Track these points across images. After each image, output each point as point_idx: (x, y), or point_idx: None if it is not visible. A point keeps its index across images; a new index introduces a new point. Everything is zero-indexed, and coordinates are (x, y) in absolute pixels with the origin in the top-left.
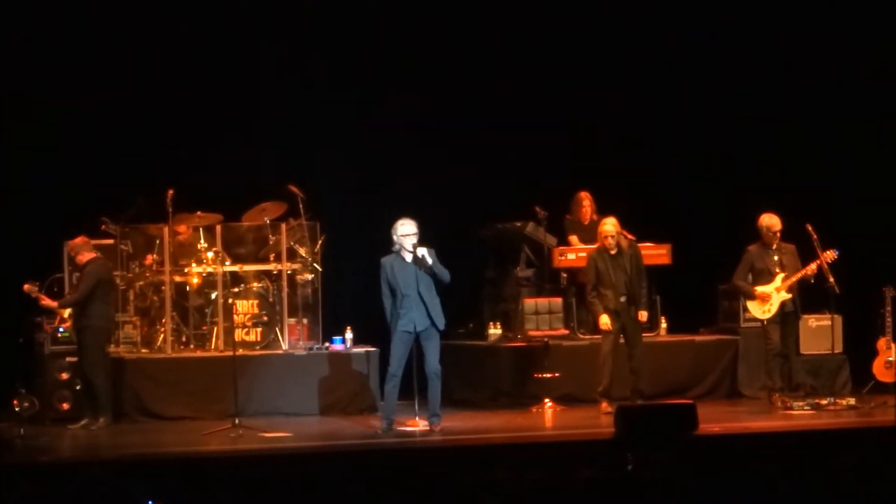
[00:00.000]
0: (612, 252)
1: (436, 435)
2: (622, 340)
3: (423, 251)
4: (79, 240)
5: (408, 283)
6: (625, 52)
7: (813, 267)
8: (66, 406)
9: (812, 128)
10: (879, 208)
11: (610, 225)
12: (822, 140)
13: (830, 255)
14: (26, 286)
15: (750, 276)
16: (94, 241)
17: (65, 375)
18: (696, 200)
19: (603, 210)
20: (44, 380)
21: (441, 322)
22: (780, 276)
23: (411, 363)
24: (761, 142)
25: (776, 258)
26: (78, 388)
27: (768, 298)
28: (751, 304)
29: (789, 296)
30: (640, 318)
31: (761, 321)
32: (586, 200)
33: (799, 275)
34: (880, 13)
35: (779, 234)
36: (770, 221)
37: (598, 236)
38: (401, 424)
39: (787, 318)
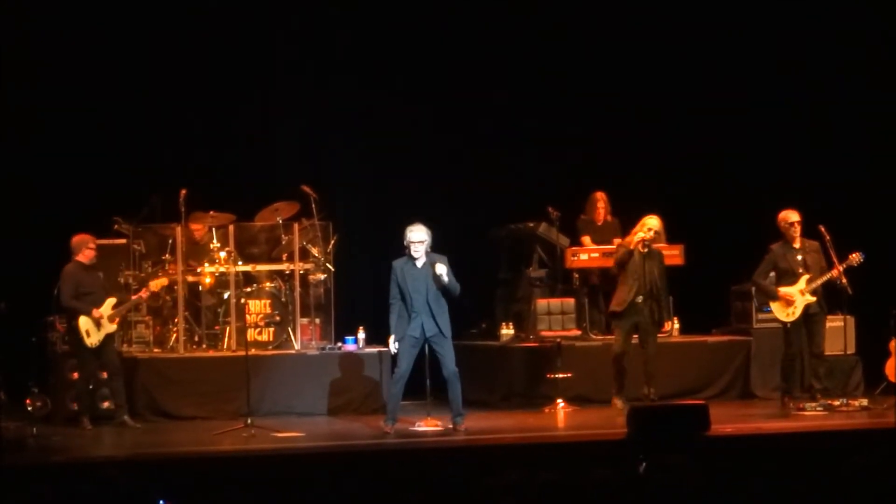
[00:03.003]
0: (644, 250)
1: (461, 434)
2: (635, 340)
3: (441, 269)
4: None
5: (417, 289)
6: (637, 52)
7: (839, 270)
8: (77, 406)
9: (827, 125)
10: (893, 207)
11: (655, 220)
12: (837, 138)
13: (856, 257)
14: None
15: (773, 276)
16: (106, 241)
17: (76, 375)
18: (709, 201)
19: (616, 210)
20: (56, 379)
21: (447, 330)
22: (805, 277)
23: (416, 365)
24: (775, 141)
25: (800, 258)
26: (92, 387)
27: (793, 301)
28: (774, 306)
29: (814, 299)
30: (665, 327)
31: (784, 323)
32: (601, 201)
33: (824, 278)
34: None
35: (798, 227)
36: (785, 214)
37: (639, 226)
38: (416, 425)
39: (811, 318)
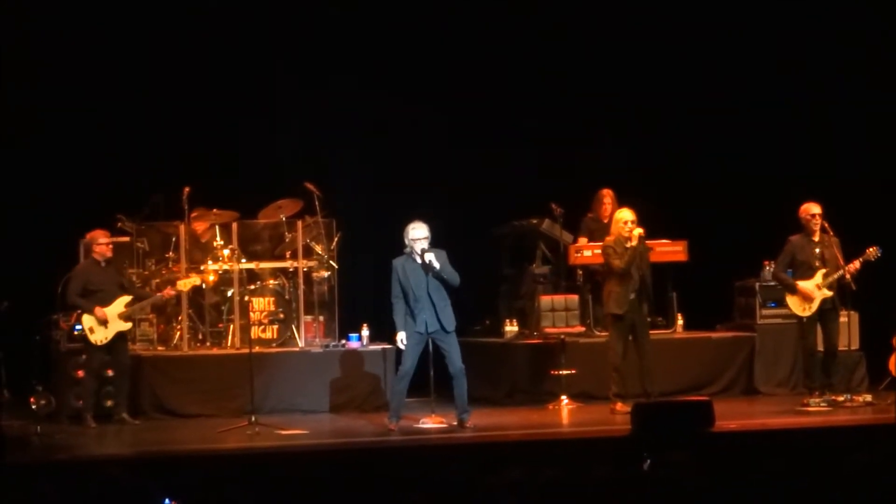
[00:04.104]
0: (628, 245)
1: (466, 431)
2: (631, 338)
3: (430, 256)
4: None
5: (419, 285)
6: (637, 52)
7: (855, 265)
8: (81, 403)
9: (827, 125)
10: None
11: (629, 212)
12: (841, 134)
13: (873, 252)
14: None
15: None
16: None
17: (81, 373)
18: (712, 197)
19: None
20: (60, 377)
21: (448, 324)
22: (821, 271)
23: (420, 361)
24: (778, 137)
25: (817, 251)
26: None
27: (810, 296)
28: (790, 300)
29: (830, 294)
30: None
31: (800, 318)
32: (606, 198)
33: (840, 273)
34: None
35: (818, 220)
36: (807, 206)
37: (614, 224)
38: (420, 422)
39: (825, 315)
